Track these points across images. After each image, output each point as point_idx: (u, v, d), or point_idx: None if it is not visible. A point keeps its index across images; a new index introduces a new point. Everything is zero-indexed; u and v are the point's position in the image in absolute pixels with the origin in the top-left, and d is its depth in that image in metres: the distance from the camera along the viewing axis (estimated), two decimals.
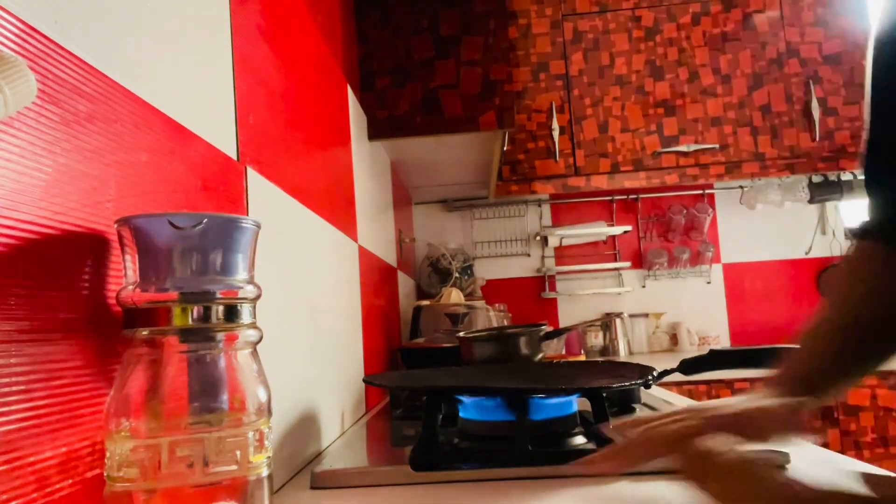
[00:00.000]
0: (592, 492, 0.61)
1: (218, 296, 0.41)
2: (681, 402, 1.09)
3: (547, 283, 2.62)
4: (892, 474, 0.57)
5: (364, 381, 0.84)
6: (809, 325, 0.63)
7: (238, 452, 0.40)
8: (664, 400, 1.05)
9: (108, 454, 0.39)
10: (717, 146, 2.22)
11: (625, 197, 2.61)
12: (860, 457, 1.92)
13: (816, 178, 2.42)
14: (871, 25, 0.62)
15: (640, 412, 0.96)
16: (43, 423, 0.37)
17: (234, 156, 0.66)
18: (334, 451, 0.83)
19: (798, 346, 0.61)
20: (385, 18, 1.55)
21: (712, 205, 2.60)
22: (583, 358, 2.18)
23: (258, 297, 0.44)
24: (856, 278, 0.64)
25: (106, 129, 0.44)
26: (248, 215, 0.65)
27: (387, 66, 1.54)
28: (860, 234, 0.65)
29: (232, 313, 0.42)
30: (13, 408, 0.35)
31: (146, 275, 0.40)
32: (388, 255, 1.71)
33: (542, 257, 2.64)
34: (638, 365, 0.84)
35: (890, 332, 0.60)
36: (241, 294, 0.42)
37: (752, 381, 1.95)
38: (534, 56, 2.28)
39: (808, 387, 0.57)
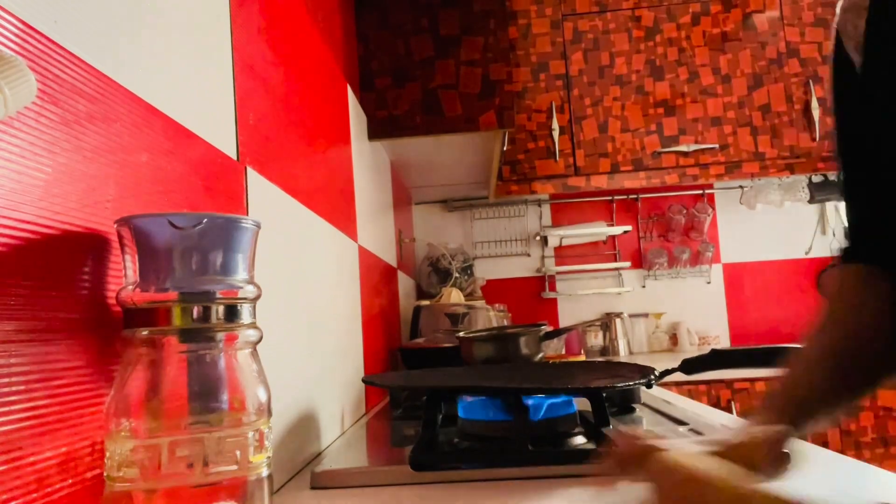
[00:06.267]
0: (592, 492, 0.60)
1: (218, 296, 0.41)
2: (681, 402, 1.09)
3: (547, 283, 2.62)
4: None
5: (364, 381, 0.84)
6: (802, 348, 0.61)
7: (238, 452, 0.40)
8: (664, 400, 1.05)
9: (108, 454, 0.39)
10: (717, 146, 2.22)
11: (625, 197, 2.61)
12: (860, 457, 1.91)
13: (816, 178, 2.42)
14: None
15: (640, 412, 0.96)
16: (43, 423, 0.37)
17: (234, 156, 0.66)
18: (334, 451, 0.83)
19: (789, 370, 0.59)
20: (385, 18, 1.55)
21: (712, 205, 2.60)
22: (583, 358, 2.18)
23: (258, 297, 0.44)
24: (842, 305, 0.62)
25: (106, 129, 0.44)
26: (248, 215, 0.65)
27: (387, 66, 1.54)
28: (842, 257, 0.65)
29: (232, 313, 0.42)
30: (13, 408, 0.35)
31: (146, 275, 0.40)
32: (388, 255, 1.71)
33: (542, 257, 2.63)
34: (638, 365, 0.84)
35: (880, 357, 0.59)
36: (241, 294, 0.42)
37: (752, 381, 1.96)
38: (534, 56, 2.28)
39: (794, 415, 0.55)
